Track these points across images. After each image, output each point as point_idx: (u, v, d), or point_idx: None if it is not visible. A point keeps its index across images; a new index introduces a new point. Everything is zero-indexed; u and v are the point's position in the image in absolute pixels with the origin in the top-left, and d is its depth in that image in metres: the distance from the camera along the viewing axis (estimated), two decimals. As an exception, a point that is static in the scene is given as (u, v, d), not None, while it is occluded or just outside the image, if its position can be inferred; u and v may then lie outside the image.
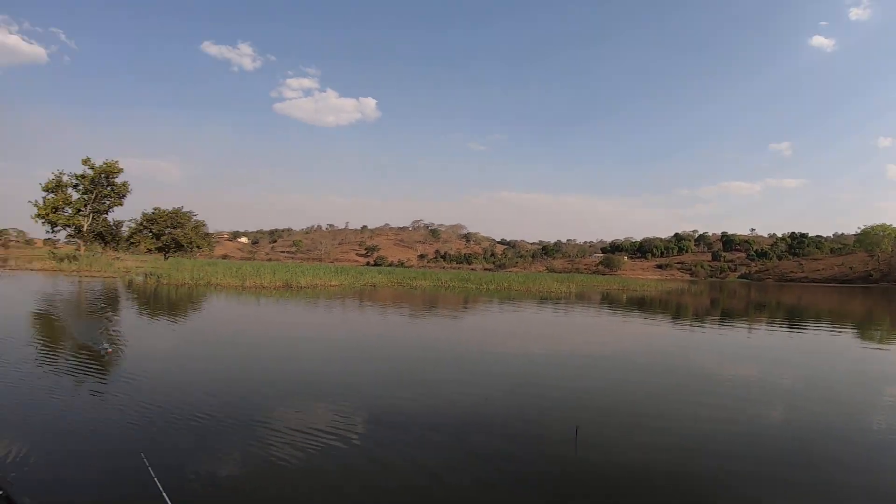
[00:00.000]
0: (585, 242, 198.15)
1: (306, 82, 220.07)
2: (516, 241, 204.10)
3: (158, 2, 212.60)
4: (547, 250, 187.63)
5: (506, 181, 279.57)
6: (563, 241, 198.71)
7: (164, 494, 3.83)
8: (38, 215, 49.00)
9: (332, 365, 12.29)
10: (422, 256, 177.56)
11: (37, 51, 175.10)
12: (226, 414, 7.70)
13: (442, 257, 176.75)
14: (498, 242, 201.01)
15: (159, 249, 60.84)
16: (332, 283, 42.82)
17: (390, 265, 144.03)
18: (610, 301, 40.58)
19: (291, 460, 6.12)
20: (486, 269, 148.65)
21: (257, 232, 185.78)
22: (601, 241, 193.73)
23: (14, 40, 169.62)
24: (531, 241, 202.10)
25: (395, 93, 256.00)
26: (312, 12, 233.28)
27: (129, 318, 19.87)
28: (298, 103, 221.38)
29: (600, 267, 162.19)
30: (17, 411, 7.53)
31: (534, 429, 7.83)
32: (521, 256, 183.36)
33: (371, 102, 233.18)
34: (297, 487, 5.55)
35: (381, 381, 10.50)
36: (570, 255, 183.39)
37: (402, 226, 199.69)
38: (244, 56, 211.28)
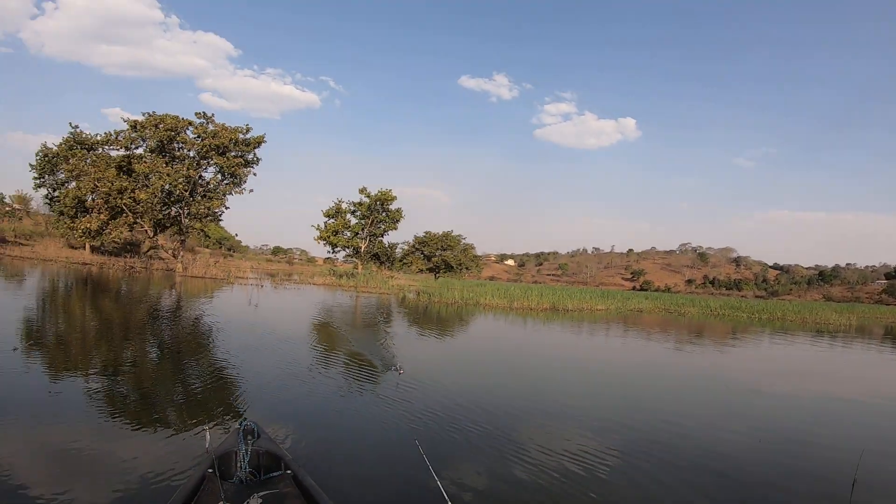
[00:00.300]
0: (867, 267, 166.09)
1: (564, 107, 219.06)
2: (790, 265, 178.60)
3: (414, 44, 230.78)
4: (823, 276, 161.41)
5: (777, 199, 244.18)
6: (842, 265, 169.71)
7: (430, 469, 4.44)
8: (321, 237, 55.31)
9: (594, 388, 12.30)
10: (689, 282, 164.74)
11: (310, 97, 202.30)
12: (487, 422, 8.18)
13: (710, 283, 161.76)
14: (770, 267, 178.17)
15: (430, 270, 66.57)
16: (598, 307, 41.13)
17: (656, 290, 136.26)
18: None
19: (540, 475, 6.28)
20: (756, 297, 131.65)
21: (523, 255, 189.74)
22: (884, 266, 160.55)
23: (289, 90, 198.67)
24: (806, 266, 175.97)
25: (655, 110, 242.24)
26: (563, 39, 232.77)
27: (404, 330, 21.24)
28: (558, 128, 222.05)
29: (884, 296, 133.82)
30: (307, 404, 8.60)
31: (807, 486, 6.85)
32: (795, 283, 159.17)
33: (630, 122, 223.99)
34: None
35: (638, 410, 10.17)
36: (849, 282, 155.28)
37: (668, 249, 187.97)
38: (501, 87, 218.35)
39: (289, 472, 4.42)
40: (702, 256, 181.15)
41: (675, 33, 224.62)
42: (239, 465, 4.48)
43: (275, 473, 4.48)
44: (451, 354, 16.12)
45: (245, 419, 5.16)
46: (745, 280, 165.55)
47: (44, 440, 6.19)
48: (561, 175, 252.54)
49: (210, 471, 4.22)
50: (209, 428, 5.36)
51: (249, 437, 4.78)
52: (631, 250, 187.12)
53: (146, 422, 7.00)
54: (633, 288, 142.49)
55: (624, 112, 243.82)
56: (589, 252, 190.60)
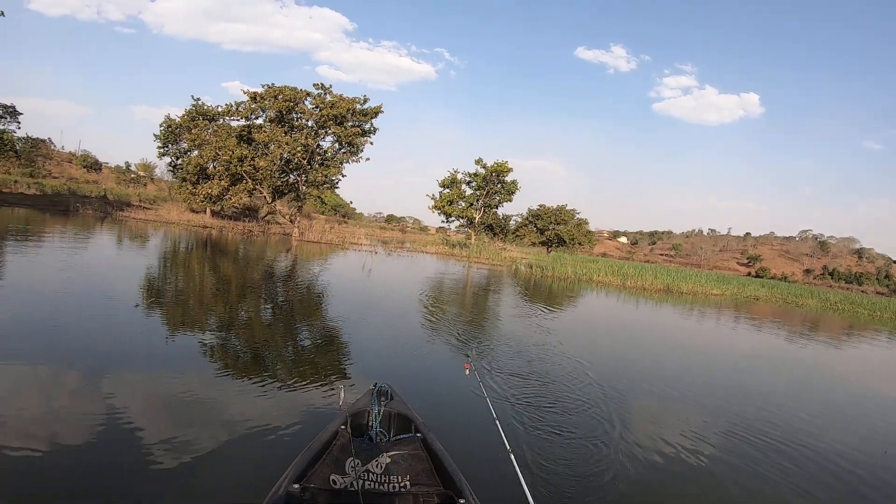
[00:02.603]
0: None
1: (684, 80, 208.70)
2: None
3: (528, 15, 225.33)
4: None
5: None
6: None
7: (503, 437, 4.65)
8: (435, 206, 55.77)
9: (707, 377, 11.59)
10: (808, 271, 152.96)
11: (426, 69, 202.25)
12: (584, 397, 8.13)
13: (829, 274, 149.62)
14: (895, 262, 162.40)
15: (542, 243, 64.70)
16: (714, 291, 39.60)
17: (772, 278, 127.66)
18: None
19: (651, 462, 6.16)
20: (877, 293, 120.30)
21: (637, 233, 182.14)
22: None
23: (405, 61, 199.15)
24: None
25: (780, 87, 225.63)
26: (684, 10, 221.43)
27: (515, 302, 20.98)
28: (677, 102, 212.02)
29: None
30: (408, 372, 8.53)
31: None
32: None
33: (753, 98, 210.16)
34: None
35: (750, 404, 9.42)
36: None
37: (787, 235, 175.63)
38: (618, 58, 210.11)
39: (419, 434, 4.53)
40: (822, 245, 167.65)
41: (805, 7, 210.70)
42: (370, 424, 4.70)
43: (405, 435, 4.60)
44: (564, 328, 15.61)
45: (380, 382, 5.28)
46: (867, 274, 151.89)
47: (169, 390, 6.47)
48: (678, 151, 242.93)
49: (343, 427, 4.42)
50: (343, 387, 5.48)
51: (383, 399, 4.97)
52: (748, 234, 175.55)
53: (262, 377, 7.30)
54: (749, 274, 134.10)
55: (747, 87, 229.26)
56: (704, 233, 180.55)
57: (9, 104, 58.20)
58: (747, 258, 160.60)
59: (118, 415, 5.56)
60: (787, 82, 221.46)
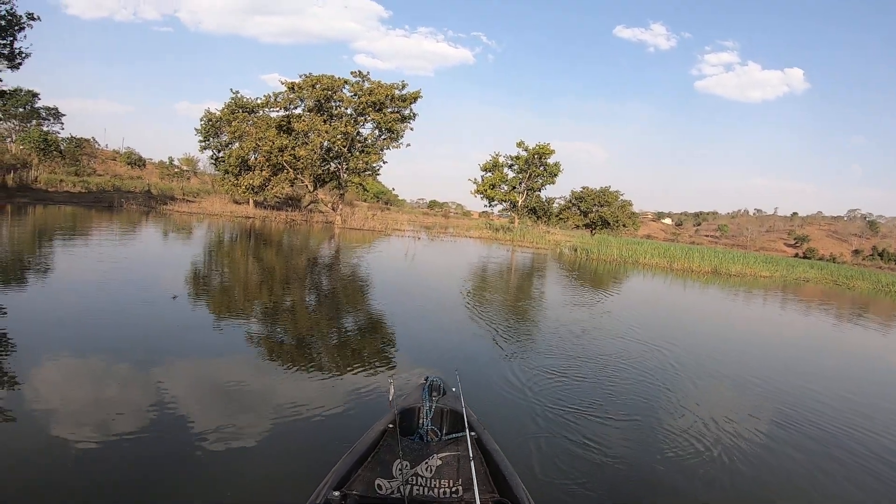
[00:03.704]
0: None
1: (726, 56, 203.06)
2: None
3: None
4: None
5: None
6: None
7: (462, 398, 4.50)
8: (477, 191, 55.28)
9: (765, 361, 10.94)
10: (856, 252, 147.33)
11: (463, 53, 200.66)
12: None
13: (879, 255, 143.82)
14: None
15: (586, 226, 63.88)
16: (763, 273, 38.87)
17: (820, 259, 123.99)
18: None
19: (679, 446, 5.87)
20: None
21: (681, 214, 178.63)
22: None
23: (442, 47, 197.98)
24: None
25: (825, 60, 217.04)
26: None
27: (561, 285, 20.90)
28: (720, 79, 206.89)
29: None
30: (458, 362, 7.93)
31: None
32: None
33: (798, 73, 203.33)
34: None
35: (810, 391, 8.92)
36: None
37: (835, 215, 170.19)
38: (658, 36, 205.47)
39: (472, 433, 4.20)
40: (871, 225, 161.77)
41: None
42: (421, 421, 4.48)
43: (457, 433, 4.30)
44: (613, 310, 15.25)
45: (432, 375, 5.09)
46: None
47: (216, 379, 6.51)
48: (721, 130, 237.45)
49: (391, 426, 4.21)
50: (393, 381, 5.02)
51: (435, 394, 4.73)
52: (795, 214, 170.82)
53: (308, 366, 7.21)
54: (796, 255, 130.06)
55: (790, 62, 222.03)
56: (750, 213, 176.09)
57: (52, 106, 59.95)
58: (794, 239, 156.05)
59: (166, 403, 5.58)
60: (833, 55, 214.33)
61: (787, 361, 11.17)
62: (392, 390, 4.83)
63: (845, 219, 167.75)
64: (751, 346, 12.52)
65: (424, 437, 4.36)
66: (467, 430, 4.22)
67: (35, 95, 56.98)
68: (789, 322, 17.88)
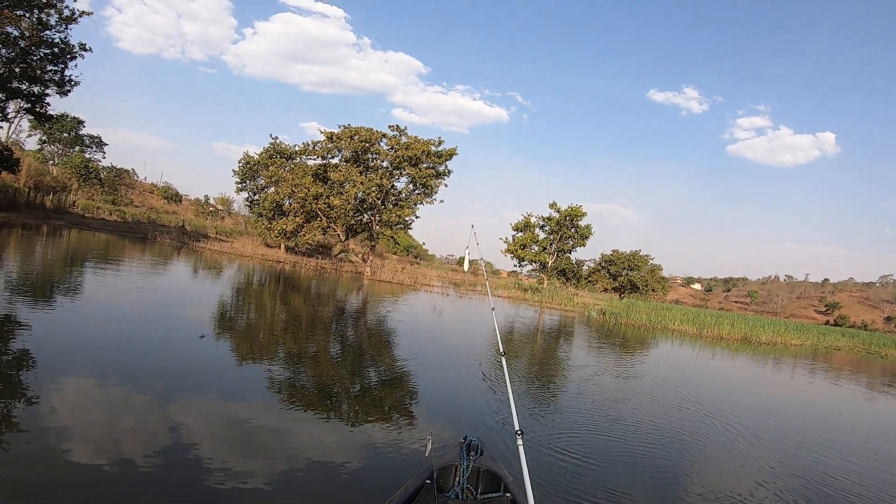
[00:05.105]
0: None
1: (758, 121, 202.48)
2: None
3: (601, 60, 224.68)
4: None
5: None
6: None
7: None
8: (508, 250, 55.55)
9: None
10: (888, 319, 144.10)
11: (499, 112, 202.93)
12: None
13: None
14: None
15: (615, 289, 63.60)
16: (793, 341, 37.81)
17: (851, 326, 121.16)
18: None
19: None
20: None
21: (711, 279, 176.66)
22: None
23: (478, 105, 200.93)
24: None
25: (857, 124, 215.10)
26: (752, 49, 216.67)
27: (591, 349, 20.35)
28: (751, 143, 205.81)
29: None
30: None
31: None
32: None
33: (829, 137, 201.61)
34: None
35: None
36: None
37: (867, 281, 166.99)
38: (691, 100, 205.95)
39: (508, 494, 4.25)
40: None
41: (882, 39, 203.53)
42: (457, 479, 4.46)
43: (493, 494, 4.35)
44: (643, 378, 14.72)
45: (470, 435, 5.04)
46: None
47: (234, 417, 6.46)
48: (752, 194, 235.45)
49: (429, 482, 4.20)
50: (431, 437, 5.00)
51: (472, 453, 4.68)
52: (826, 280, 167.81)
53: (333, 416, 7.19)
54: (827, 322, 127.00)
55: (822, 126, 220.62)
56: (781, 280, 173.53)
57: (95, 135, 61.94)
58: (825, 305, 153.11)
59: (180, 435, 5.60)
60: (865, 119, 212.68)
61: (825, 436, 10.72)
62: (429, 446, 4.81)
63: (877, 284, 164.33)
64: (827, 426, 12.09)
65: (461, 495, 4.34)
66: (502, 491, 4.28)
67: (80, 123, 59.15)
68: (829, 392, 17.31)
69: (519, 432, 3.88)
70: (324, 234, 44.61)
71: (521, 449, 3.71)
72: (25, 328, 8.77)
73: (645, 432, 8.59)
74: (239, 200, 64.63)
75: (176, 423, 5.92)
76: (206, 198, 76.25)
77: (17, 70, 28.89)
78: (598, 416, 9.20)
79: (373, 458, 5.86)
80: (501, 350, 4.77)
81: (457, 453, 4.72)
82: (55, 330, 9.04)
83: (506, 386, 4.06)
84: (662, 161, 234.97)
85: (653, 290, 63.13)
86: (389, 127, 40.95)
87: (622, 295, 62.91)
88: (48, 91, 30.82)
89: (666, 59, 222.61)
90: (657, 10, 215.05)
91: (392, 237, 53.56)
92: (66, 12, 29.49)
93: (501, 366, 4.86)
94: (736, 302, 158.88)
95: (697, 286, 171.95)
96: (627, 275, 62.69)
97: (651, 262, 63.79)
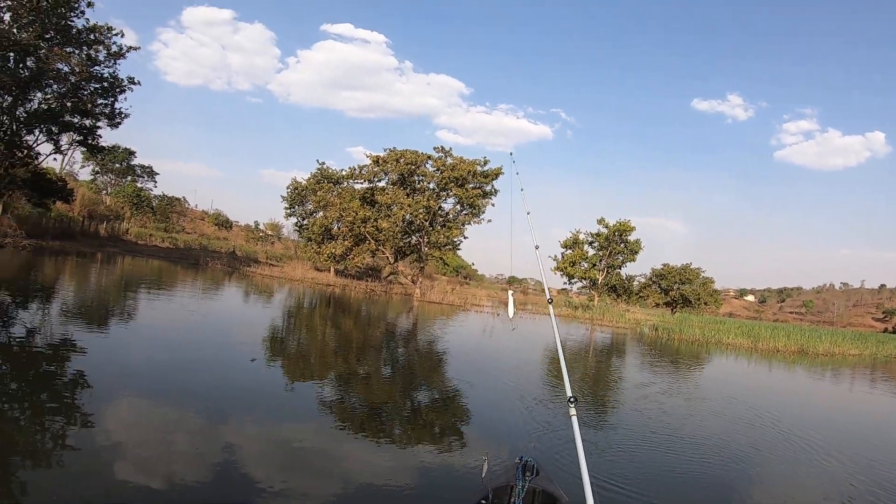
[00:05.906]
0: None
1: (804, 124, 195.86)
2: None
3: (643, 72, 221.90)
4: None
5: None
6: None
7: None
8: (557, 268, 55.18)
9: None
10: None
11: (543, 129, 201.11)
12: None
13: None
14: None
15: (666, 304, 62.30)
16: (852, 351, 36.77)
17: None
18: None
19: None
20: None
21: (764, 290, 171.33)
22: None
23: (522, 123, 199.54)
24: None
25: None
26: (794, 51, 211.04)
27: (638, 362, 20.25)
28: (799, 148, 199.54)
29: None
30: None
31: None
32: None
33: (879, 137, 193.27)
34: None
35: None
36: None
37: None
38: (735, 107, 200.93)
39: None
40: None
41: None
42: (513, 500, 4.42)
43: None
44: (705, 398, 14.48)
45: (526, 455, 5.00)
46: None
47: (285, 438, 6.53)
48: (802, 200, 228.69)
49: (483, 502, 4.23)
50: (486, 458, 5.01)
51: (528, 474, 4.68)
52: (883, 286, 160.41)
53: (384, 437, 7.21)
54: (885, 330, 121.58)
55: (871, 125, 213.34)
56: (836, 287, 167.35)
57: (147, 165, 64.08)
58: (883, 312, 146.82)
59: (232, 457, 5.63)
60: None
61: None
62: (485, 467, 4.82)
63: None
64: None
65: None
66: None
67: (132, 153, 61.56)
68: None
69: (572, 399, 3.46)
70: (373, 257, 45.14)
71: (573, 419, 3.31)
72: (81, 352, 9.15)
73: (727, 451, 8.50)
74: (288, 225, 66.07)
75: (228, 444, 6.00)
76: (256, 223, 78.20)
77: (69, 104, 30.33)
78: (686, 448, 8.89)
79: (427, 480, 5.91)
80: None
81: (513, 474, 4.71)
82: (110, 353, 9.45)
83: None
84: (709, 171, 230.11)
85: (705, 303, 61.57)
86: (434, 149, 41.49)
87: (674, 310, 61.55)
88: (99, 123, 32.29)
89: (708, 67, 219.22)
90: (695, 14, 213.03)
91: (441, 258, 53.71)
92: (114, 48, 30.97)
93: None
94: (791, 312, 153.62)
95: (751, 297, 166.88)
96: (679, 289, 61.40)
97: (702, 274, 62.50)
